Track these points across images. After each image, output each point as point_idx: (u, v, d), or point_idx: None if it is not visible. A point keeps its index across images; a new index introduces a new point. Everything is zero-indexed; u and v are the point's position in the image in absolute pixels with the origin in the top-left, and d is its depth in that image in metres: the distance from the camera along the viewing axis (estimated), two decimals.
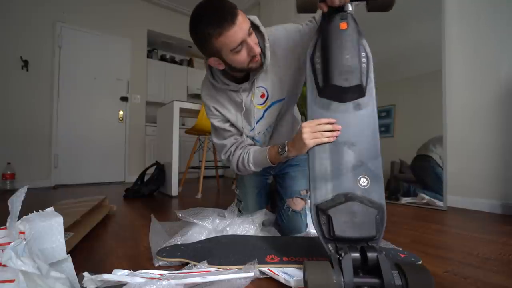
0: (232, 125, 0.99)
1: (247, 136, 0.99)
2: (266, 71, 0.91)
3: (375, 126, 0.69)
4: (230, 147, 0.99)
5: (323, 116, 0.71)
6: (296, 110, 1.11)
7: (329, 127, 0.70)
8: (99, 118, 3.40)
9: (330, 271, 0.53)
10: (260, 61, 0.86)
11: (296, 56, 0.91)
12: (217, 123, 0.99)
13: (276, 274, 0.69)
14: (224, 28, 0.72)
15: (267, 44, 0.87)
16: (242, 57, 0.79)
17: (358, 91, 0.68)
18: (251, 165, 0.94)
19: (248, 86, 0.92)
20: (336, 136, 0.70)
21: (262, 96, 0.94)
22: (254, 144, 1.01)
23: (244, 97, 0.93)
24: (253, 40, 0.79)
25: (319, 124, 0.71)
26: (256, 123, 0.97)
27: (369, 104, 0.69)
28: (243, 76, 0.93)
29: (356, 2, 0.71)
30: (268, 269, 0.71)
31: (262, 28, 0.87)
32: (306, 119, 0.76)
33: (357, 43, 0.68)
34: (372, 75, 0.70)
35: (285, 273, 0.70)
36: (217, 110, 0.97)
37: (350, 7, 0.70)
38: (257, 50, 0.79)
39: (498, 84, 1.62)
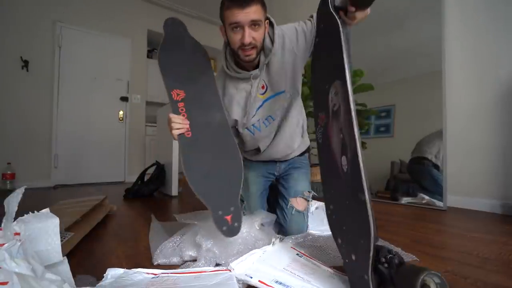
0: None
1: (246, 128, 1.07)
2: (270, 63, 0.98)
3: None
4: None
5: None
6: (302, 110, 1.17)
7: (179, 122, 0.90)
8: (99, 118, 3.39)
9: None
10: (255, 57, 0.93)
11: (299, 54, 0.99)
12: None
13: (269, 286, 0.63)
14: (232, 5, 0.84)
15: (277, 32, 0.97)
16: (235, 38, 0.88)
17: None
18: None
19: (258, 73, 0.98)
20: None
21: (263, 87, 1.02)
22: (254, 133, 1.09)
23: (253, 84, 1.00)
24: (252, 33, 0.87)
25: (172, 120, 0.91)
26: (256, 110, 1.04)
27: None
28: (251, 67, 0.99)
29: None
30: (259, 280, 0.65)
31: (275, 25, 0.99)
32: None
33: None
34: None
35: (280, 283, 0.64)
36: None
37: None
38: (247, 40, 0.86)
39: (498, 83, 1.61)
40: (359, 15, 0.74)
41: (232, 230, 0.83)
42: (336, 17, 0.70)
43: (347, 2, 0.71)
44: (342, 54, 0.64)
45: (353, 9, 0.71)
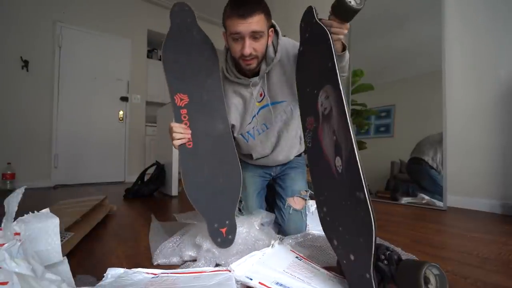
0: None
1: (241, 134, 1.06)
2: (271, 72, 0.97)
3: None
4: None
5: None
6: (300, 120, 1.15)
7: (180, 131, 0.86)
8: (99, 118, 3.39)
9: None
10: (256, 66, 0.92)
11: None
12: None
13: None
14: (233, 15, 0.82)
15: (281, 41, 0.96)
16: (236, 48, 0.87)
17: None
18: None
19: (258, 81, 0.97)
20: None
21: (260, 95, 1.01)
22: (247, 140, 1.08)
23: (252, 91, 1.00)
24: (253, 43, 0.85)
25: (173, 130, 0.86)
26: (252, 118, 1.03)
27: None
28: (251, 73, 0.98)
29: None
30: (259, 282, 0.64)
31: (280, 34, 0.98)
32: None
33: None
34: None
35: (280, 284, 0.63)
36: None
37: None
38: (247, 52, 0.85)
39: (497, 83, 1.62)
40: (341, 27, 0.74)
41: (226, 242, 0.84)
42: (323, 25, 0.72)
43: (329, 14, 0.74)
44: (333, 60, 0.66)
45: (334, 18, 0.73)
